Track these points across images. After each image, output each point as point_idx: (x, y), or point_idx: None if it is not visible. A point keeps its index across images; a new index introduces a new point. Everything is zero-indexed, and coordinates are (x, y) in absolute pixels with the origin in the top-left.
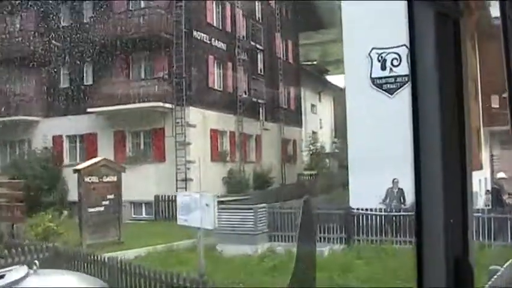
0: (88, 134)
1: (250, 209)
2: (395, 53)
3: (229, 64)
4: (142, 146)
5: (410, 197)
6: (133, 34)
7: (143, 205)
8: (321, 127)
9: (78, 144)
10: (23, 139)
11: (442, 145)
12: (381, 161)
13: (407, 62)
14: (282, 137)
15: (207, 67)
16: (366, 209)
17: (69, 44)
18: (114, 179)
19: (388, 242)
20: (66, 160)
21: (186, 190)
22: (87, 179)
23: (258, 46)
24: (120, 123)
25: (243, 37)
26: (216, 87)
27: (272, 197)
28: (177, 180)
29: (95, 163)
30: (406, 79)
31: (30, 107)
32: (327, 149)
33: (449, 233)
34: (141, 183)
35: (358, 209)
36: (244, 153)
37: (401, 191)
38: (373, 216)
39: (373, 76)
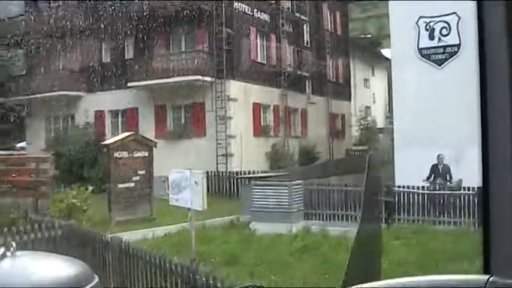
0: (129, 108)
1: (285, 185)
2: (444, 21)
3: (273, 36)
4: (183, 121)
5: (456, 175)
6: (172, 5)
7: None
8: (374, 101)
9: (120, 119)
10: (67, 114)
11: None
12: (428, 135)
13: (457, 31)
14: (329, 111)
15: (249, 39)
16: (408, 187)
17: (110, 18)
18: (146, 154)
19: (430, 222)
20: (108, 135)
21: (226, 165)
22: (116, 154)
23: (303, 17)
24: (161, 98)
25: (288, 8)
26: (259, 60)
27: (316, 172)
28: (217, 155)
29: (125, 138)
30: (456, 49)
31: (72, 82)
32: (380, 124)
33: None
34: (181, 158)
35: (399, 186)
36: (288, 127)
37: (446, 167)
38: (416, 195)
39: (420, 46)
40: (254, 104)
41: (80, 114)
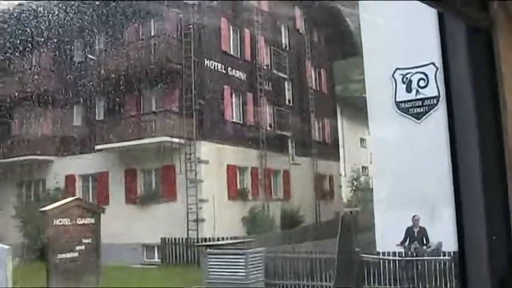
0: (100, 173)
1: (241, 254)
2: (421, 72)
3: (250, 95)
4: (153, 185)
5: (435, 238)
6: (142, 66)
7: (155, 248)
8: (371, 161)
9: (90, 183)
10: (37, 179)
11: (482, 162)
12: (407, 196)
13: (435, 82)
14: (315, 172)
15: (223, 98)
16: (378, 253)
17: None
18: (91, 221)
19: None
20: None
21: (197, 232)
22: (56, 222)
23: (282, 75)
24: (131, 161)
25: (267, 66)
26: (234, 120)
27: (298, 237)
28: (188, 220)
29: (66, 203)
30: (435, 101)
31: (42, 146)
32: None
33: (493, 250)
34: (152, 224)
35: (371, 253)
36: (269, 190)
37: (423, 230)
38: (387, 262)
39: (398, 100)
40: (229, 166)
41: (50, 179)
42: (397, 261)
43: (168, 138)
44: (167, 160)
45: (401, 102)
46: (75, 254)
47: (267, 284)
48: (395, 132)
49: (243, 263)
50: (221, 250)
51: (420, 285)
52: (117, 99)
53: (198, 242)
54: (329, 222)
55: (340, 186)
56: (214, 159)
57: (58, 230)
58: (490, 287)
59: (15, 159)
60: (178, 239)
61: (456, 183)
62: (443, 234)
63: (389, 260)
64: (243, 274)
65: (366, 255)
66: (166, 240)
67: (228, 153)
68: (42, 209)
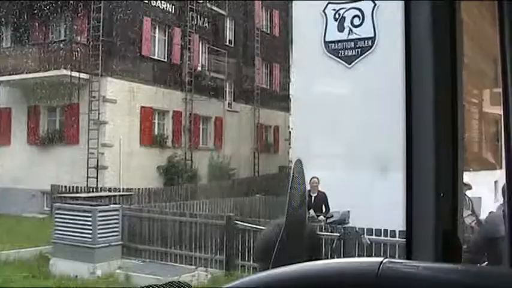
0: (2, 108)
1: (88, 211)
2: (356, 8)
3: (178, 30)
4: (57, 125)
5: (340, 205)
6: None
7: None
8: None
9: None
10: None
11: (435, 121)
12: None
13: (372, 21)
14: (257, 122)
15: (141, 31)
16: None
17: None
18: None
19: None
20: None
21: (97, 180)
22: None
23: (221, 12)
24: (35, 97)
25: (203, 1)
26: (155, 57)
27: (218, 191)
28: (88, 167)
29: None
30: (370, 43)
31: None
32: None
33: (439, 207)
34: (53, 168)
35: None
36: (195, 138)
37: (322, 196)
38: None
39: (327, 40)
40: (143, 108)
41: None
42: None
43: (67, 72)
44: (71, 98)
45: (331, 42)
46: None
47: (125, 248)
48: (321, 78)
49: (89, 222)
50: (69, 205)
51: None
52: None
53: (90, 191)
54: (269, 176)
55: (287, 139)
56: (124, 99)
57: None
58: (434, 241)
59: None
60: (70, 187)
61: (409, 144)
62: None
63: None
64: (90, 234)
65: (239, 223)
66: (58, 188)
67: (144, 94)
68: None
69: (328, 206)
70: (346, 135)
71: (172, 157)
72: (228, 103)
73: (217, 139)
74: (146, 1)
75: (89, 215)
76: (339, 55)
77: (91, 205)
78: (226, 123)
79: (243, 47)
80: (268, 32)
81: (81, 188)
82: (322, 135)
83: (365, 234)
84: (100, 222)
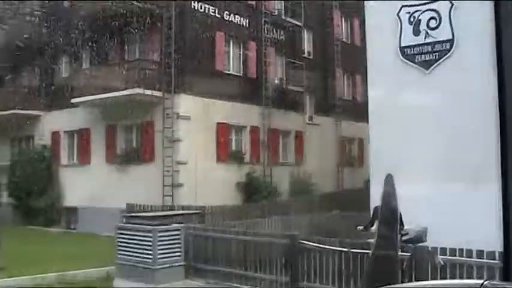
0: (83, 129)
1: (148, 231)
2: (432, 10)
3: (252, 44)
4: (134, 143)
5: (414, 221)
6: (118, 8)
7: None
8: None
9: (75, 140)
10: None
11: None
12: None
13: (449, 23)
14: (340, 135)
15: (214, 47)
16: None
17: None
18: None
19: None
20: (64, 158)
21: (172, 198)
22: None
23: (297, 23)
24: (112, 116)
25: (278, 11)
26: (230, 72)
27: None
28: (164, 185)
29: None
30: (448, 46)
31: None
32: None
33: None
34: (130, 187)
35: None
36: (274, 153)
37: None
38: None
39: (402, 45)
40: (219, 124)
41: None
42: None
43: (140, 91)
44: (145, 116)
45: (407, 47)
46: None
47: (190, 268)
48: (398, 85)
49: (150, 242)
50: (131, 225)
51: None
52: (96, 47)
53: (165, 209)
54: (354, 191)
55: None
56: (198, 115)
57: None
58: None
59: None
60: (144, 205)
61: (504, 151)
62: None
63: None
64: (150, 255)
65: (306, 243)
66: (133, 207)
67: (219, 110)
68: None
69: (402, 222)
70: (429, 145)
71: (250, 173)
72: (309, 116)
73: (298, 153)
74: (218, 16)
75: (150, 235)
76: (416, 60)
77: (151, 225)
78: (306, 137)
79: (322, 58)
80: (348, 41)
81: (155, 206)
82: (403, 146)
83: (438, 254)
84: (160, 243)
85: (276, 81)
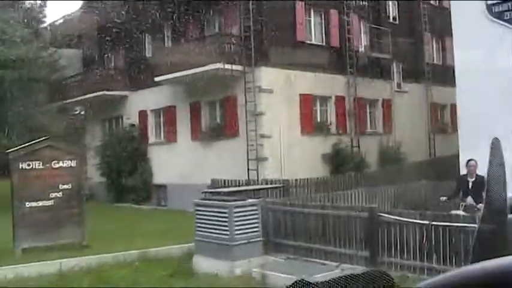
0: (168, 107)
1: (225, 207)
2: None
3: (334, 12)
4: (218, 119)
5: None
6: None
7: None
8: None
9: (162, 118)
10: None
11: None
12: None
13: None
14: (429, 102)
15: (294, 17)
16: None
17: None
18: (71, 164)
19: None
20: (152, 137)
21: (257, 172)
22: (23, 165)
23: None
24: (195, 93)
25: None
26: (311, 42)
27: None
28: (248, 159)
29: (35, 144)
30: None
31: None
32: None
33: None
34: (215, 163)
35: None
36: (361, 123)
37: (481, 180)
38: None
39: (489, 2)
40: (302, 95)
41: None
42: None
43: (221, 65)
44: (227, 91)
45: (494, 4)
46: (49, 202)
47: (270, 243)
48: (487, 45)
49: (226, 218)
50: (208, 201)
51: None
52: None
53: (249, 184)
54: (447, 158)
55: None
56: (281, 87)
57: (26, 174)
58: None
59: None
60: (229, 180)
61: None
62: None
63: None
64: (227, 231)
65: (385, 215)
66: (218, 182)
67: (302, 81)
68: (8, 151)
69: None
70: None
71: (337, 144)
72: (397, 83)
73: (386, 122)
74: None
75: (225, 211)
76: (505, 18)
77: (227, 200)
78: (395, 105)
79: (408, 22)
80: (436, 3)
81: (240, 181)
82: (492, 110)
83: None
84: (237, 219)
85: (361, 49)
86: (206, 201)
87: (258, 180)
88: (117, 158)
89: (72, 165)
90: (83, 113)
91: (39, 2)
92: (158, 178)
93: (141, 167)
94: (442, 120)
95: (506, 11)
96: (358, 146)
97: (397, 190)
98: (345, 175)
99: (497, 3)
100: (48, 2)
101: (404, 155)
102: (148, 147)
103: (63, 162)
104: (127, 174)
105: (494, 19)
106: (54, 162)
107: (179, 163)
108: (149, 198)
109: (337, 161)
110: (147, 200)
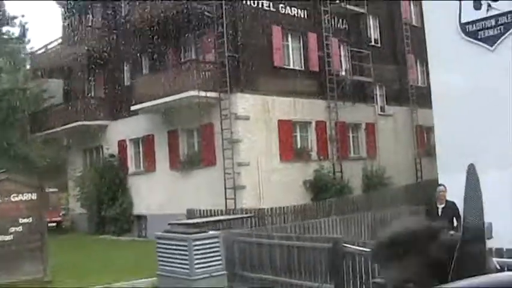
0: (146, 136)
1: (183, 240)
2: None
3: (312, 36)
4: (196, 147)
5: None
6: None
7: None
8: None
9: (141, 148)
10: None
11: None
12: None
13: None
14: (416, 125)
15: (271, 42)
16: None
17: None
18: (32, 197)
19: None
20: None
21: (234, 201)
22: None
23: (360, 10)
24: (173, 121)
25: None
26: (289, 66)
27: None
28: (226, 188)
29: None
30: None
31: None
32: None
33: None
34: (195, 192)
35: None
36: (343, 148)
37: (450, 206)
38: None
39: (463, 21)
40: (280, 121)
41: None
42: None
43: (195, 93)
44: (203, 118)
45: (468, 23)
46: (8, 237)
47: (236, 276)
48: (461, 66)
49: (185, 252)
50: (169, 234)
51: None
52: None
53: (228, 213)
54: (434, 181)
55: None
56: (258, 114)
57: None
58: None
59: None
60: (206, 210)
61: None
62: None
63: None
64: (187, 265)
65: (348, 246)
66: (193, 212)
67: (280, 107)
68: None
69: (459, 218)
70: (500, 132)
71: (318, 170)
72: (380, 107)
73: (370, 146)
74: (273, 9)
75: (185, 243)
76: (479, 37)
77: (187, 233)
78: (379, 128)
79: (391, 44)
80: (419, 24)
81: (218, 211)
82: (468, 131)
83: (493, 254)
84: (197, 252)
85: (342, 73)
86: (167, 234)
87: (235, 209)
88: (97, 189)
89: (33, 198)
90: (64, 143)
91: (18, 32)
92: (138, 208)
93: (121, 197)
94: (429, 143)
95: (480, 30)
96: (341, 172)
97: (375, 217)
98: (324, 202)
99: (471, 22)
100: (27, 32)
101: (389, 179)
102: (128, 177)
103: (22, 195)
104: (107, 205)
105: (468, 38)
106: (13, 195)
107: (158, 193)
108: (130, 229)
109: (319, 187)
110: (128, 231)
